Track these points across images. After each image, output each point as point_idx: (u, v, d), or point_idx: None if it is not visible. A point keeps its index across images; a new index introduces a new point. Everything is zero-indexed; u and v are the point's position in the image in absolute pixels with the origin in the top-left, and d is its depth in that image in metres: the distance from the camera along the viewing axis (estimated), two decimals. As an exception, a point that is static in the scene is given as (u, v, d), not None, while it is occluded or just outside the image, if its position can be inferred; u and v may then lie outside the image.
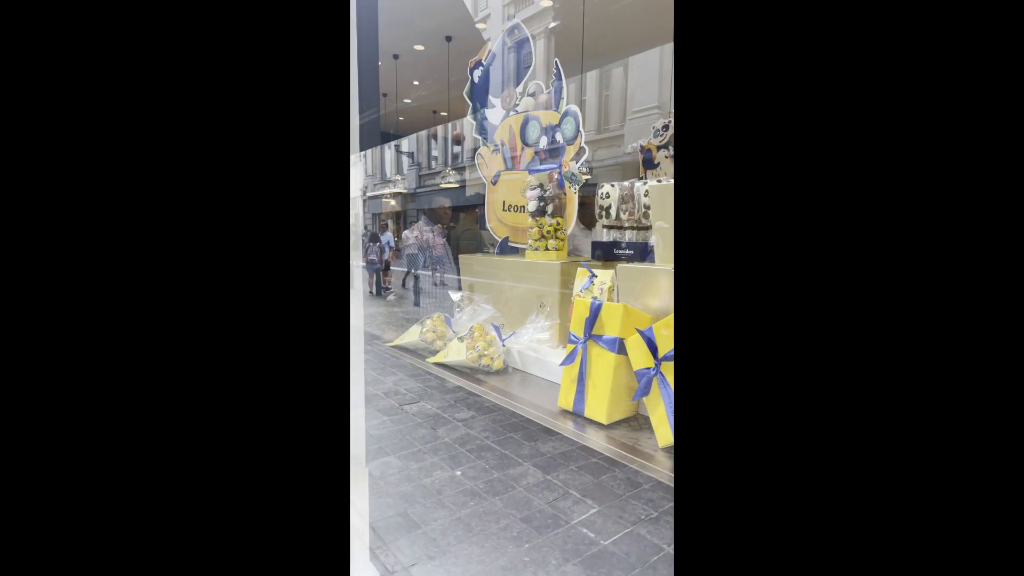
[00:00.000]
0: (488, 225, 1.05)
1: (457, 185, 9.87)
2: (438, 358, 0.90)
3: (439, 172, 12.36)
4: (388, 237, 7.93)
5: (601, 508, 1.76)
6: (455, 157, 12.50)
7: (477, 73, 1.05)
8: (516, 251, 1.04)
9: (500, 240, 1.00)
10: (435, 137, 12.90)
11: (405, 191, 13.29)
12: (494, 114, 1.04)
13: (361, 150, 1.42)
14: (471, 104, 1.07)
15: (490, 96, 1.04)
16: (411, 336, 1.00)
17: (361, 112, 1.32)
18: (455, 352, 0.87)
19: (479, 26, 4.86)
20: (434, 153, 13.42)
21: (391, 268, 7.70)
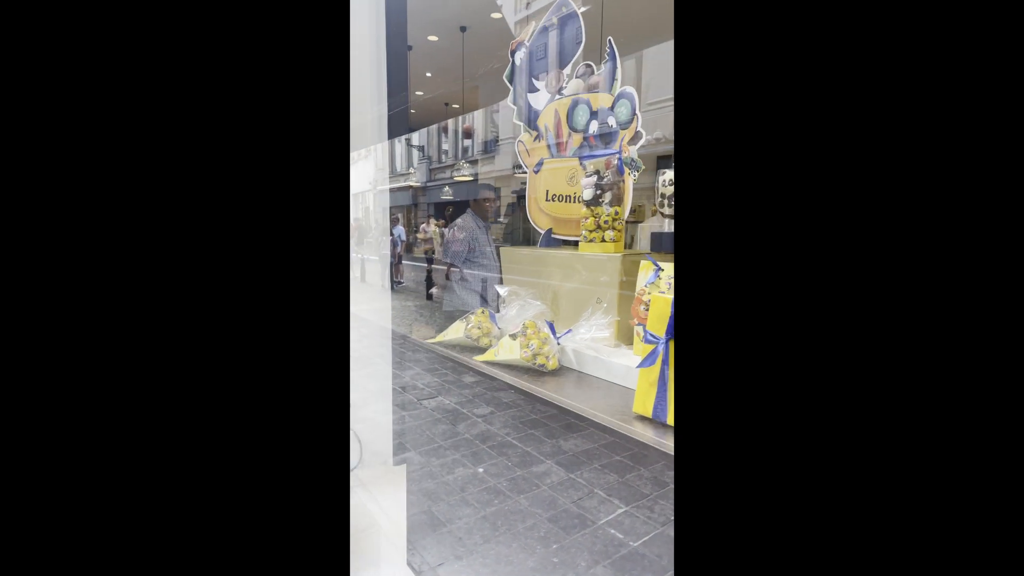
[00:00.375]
0: (529, 216, 0.99)
1: (471, 178, 9.81)
2: (487, 356, 0.85)
3: (450, 165, 12.32)
4: (399, 231, 7.92)
5: (628, 508, 1.72)
6: (465, 151, 12.43)
7: (519, 55, 0.99)
8: (560, 243, 0.99)
9: (544, 232, 0.94)
10: (445, 131, 12.85)
11: (416, 184, 13.27)
12: (537, 98, 0.97)
13: (389, 138, 1.38)
14: (512, 89, 1.01)
15: (533, 79, 0.98)
16: (455, 333, 0.95)
17: (390, 99, 1.28)
18: (507, 350, 0.81)
19: (494, 16, 4.78)
20: (444, 147, 13.37)
21: (403, 262, 7.69)
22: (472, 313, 1.03)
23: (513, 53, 1.10)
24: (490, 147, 11.28)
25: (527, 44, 1.06)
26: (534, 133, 1.06)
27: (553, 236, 1.04)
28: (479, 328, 0.97)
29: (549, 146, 1.03)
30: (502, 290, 1.01)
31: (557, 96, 1.01)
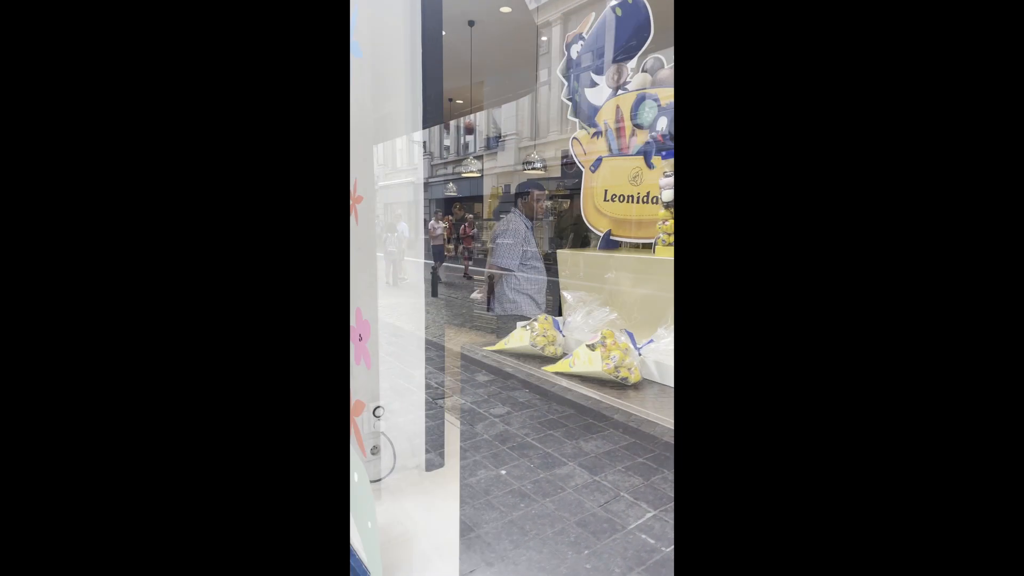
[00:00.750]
0: (584, 217, 0.95)
1: (477, 174, 9.75)
2: (560, 367, 0.79)
3: (451, 161, 12.26)
4: (403, 227, 7.87)
5: (657, 512, 1.69)
6: (465, 147, 12.39)
7: (575, 48, 0.94)
8: (618, 245, 0.95)
9: (602, 234, 0.91)
10: (447, 127, 12.78)
11: (415, 181, 13.19)
12: (596, 93, 0.92)
13: (424, 127, 1.34)
14: (566, 83, 0.97)
15: (592, 74, 0.93)
16: (518, 341, 0.90)
17: (425, 86, 1.24)
18: (585, 362, 0.76)
19: (504, 10, 4.73)
20: (446, 143, 13.31)
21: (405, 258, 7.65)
22: (534, 320, 0.98)
23: (569, 46, 1.05)
24: (492, 144, 11.23)
25: (585, 36, 1.01)
26: (592, 130, 1.02)
27: (611, 238, 0.99)
28: (544, 336, 0.92)
29: (610, 143, 0.98)
30: (569, 295, 0.96)
31: (620, 91, 0.96)
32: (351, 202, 1.13)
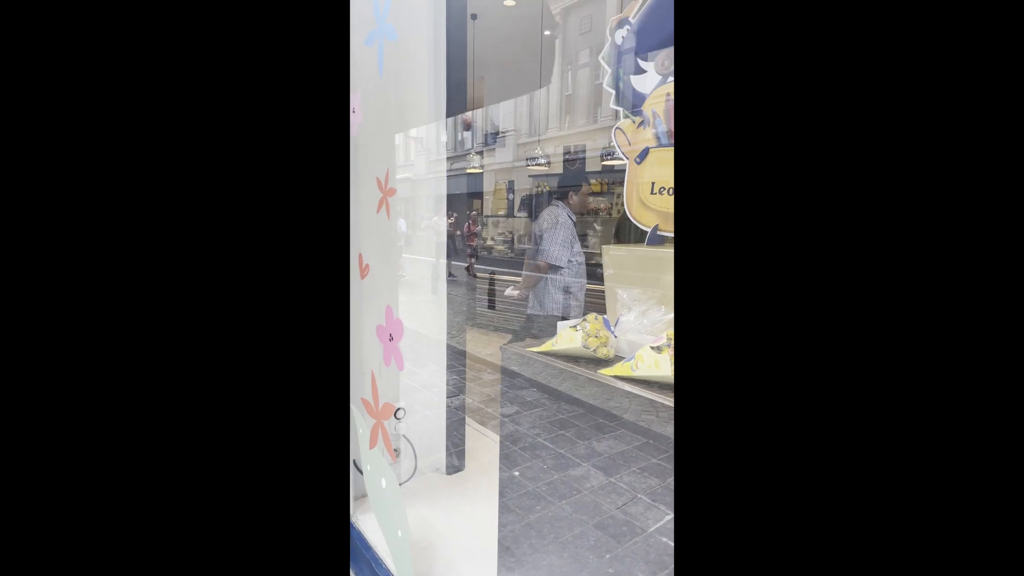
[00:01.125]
0: (628, 212, 0.90)
1: (480, 170, 9.70)
2: (619, 371, 0.74)
3: (448, 158, 12.20)
4: (402, 223, 7.81)
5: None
6: (462, 143, 12.32)
7: (620, 34, 0.89)
8: (665, 241, 0.92)
9: (650, 229, 0.87)
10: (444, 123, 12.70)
11: (412, 177, 13.12)
12: (643, 81, 0.87)
13: (448, 115, 1.29)
14: (609, 70, 0.92)
15: (638, 60, 0.88)
16: (568, 342, 0.85)
17: (449, 75, 1.20)
18: (651, 365, 0.71)
19: (508, 3, 4.68)
20: (443, 139, 13.23)
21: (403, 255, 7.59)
22: (584, 320, 0.94)
23: (613, 31, 1.00)
24: (490, 140, 11.16)
25: (632, 21, 0.97)
26: (637, 119, 0.98)
27: (658, 233, 0.95)
28: (597, 337, 0.88)
29: (658, 134, 0.94)
30: (624, 293, 0.92)
31: (670, 78, 0.92)
32: (383, 195, 1.08)
